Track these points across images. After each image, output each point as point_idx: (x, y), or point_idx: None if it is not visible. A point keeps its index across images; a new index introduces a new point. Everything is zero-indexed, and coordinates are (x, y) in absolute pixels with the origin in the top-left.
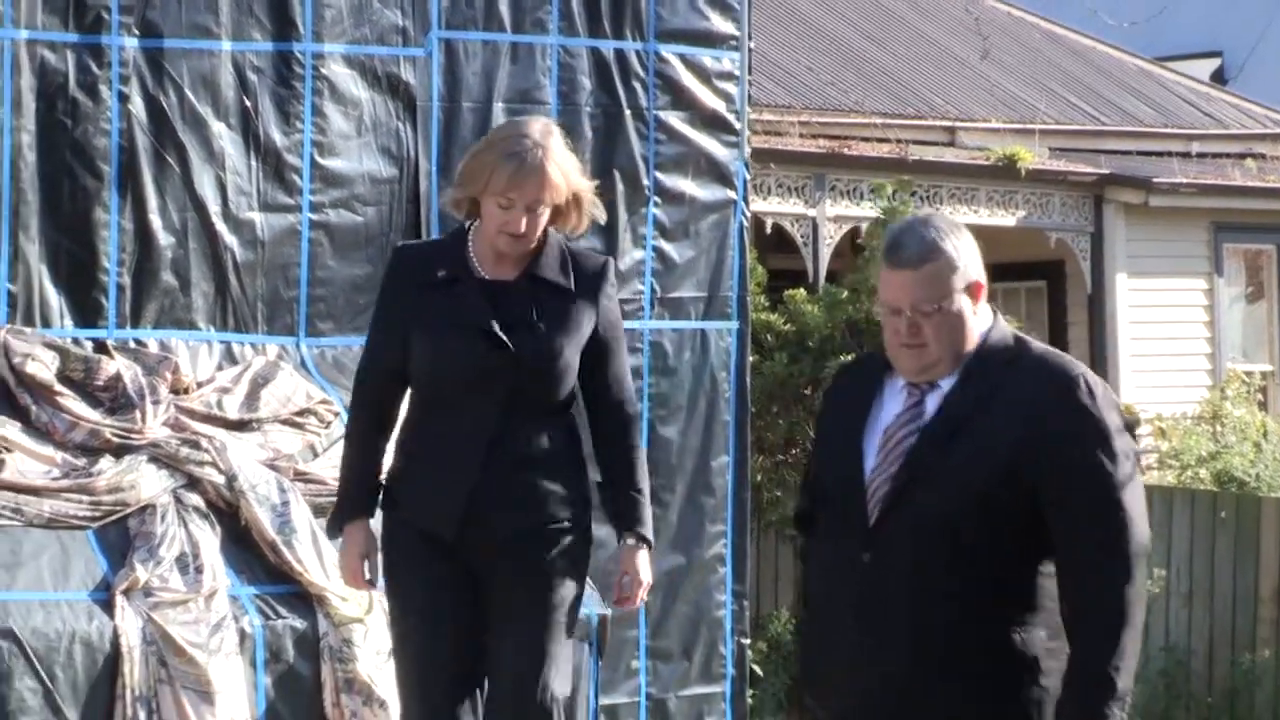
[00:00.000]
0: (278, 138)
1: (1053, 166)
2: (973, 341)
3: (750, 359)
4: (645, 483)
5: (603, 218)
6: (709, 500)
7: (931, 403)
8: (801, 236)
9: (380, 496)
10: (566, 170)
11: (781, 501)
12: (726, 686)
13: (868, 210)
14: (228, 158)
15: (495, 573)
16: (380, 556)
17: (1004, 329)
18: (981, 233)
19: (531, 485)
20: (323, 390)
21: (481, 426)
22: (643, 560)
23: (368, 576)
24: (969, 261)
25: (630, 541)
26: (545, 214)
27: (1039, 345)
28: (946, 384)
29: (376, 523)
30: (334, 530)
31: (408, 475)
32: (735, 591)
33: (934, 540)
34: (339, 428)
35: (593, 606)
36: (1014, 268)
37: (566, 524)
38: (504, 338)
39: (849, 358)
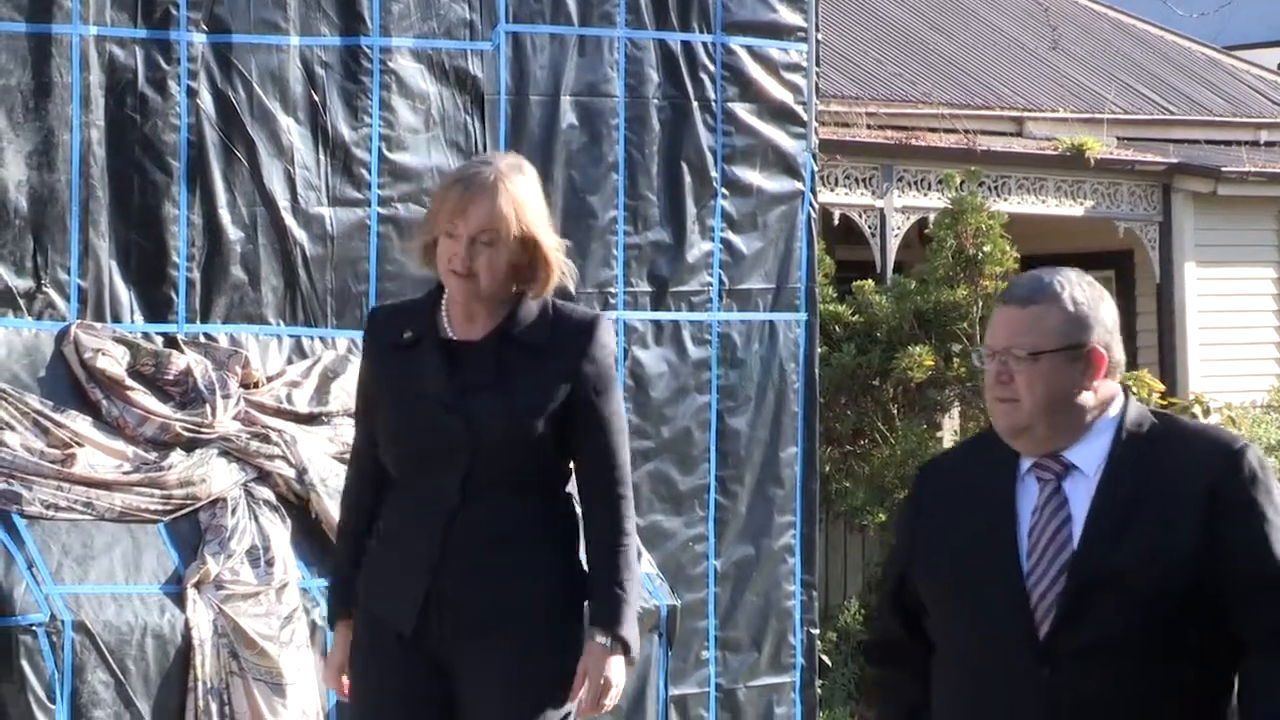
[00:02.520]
0: (346, 132)
1: (1121, 156)
2: (1086, 421)
3: (818, 350)
4: (631, 578)
5: (570, 283)
6: (778, 491)
7: (1073, 490)
8: (869, 227)
9: None
10: (523, 204)
11: (850, 492)
12: (796, 676)
13: (935, 201)
14: (296, 152)
15: (463, 669)
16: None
17: (1141, 408)
18: (1049, 223)
19: (498, 568)
20: None
21: (439, 504)
22: (613, 666)
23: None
24: (1090, 322)
25: (600, 640)
26: (498, 251)
27: (1180, 418)
28: (1086, 465)
29: None
30: (331, 622)
31: (372, 558)
32: (804, 582)
33: (1127, 655)
34: None
35: (662, 597)
36: (1082, 258)
37: (543, 610)
38: (457, 404)
39: (919, 350)
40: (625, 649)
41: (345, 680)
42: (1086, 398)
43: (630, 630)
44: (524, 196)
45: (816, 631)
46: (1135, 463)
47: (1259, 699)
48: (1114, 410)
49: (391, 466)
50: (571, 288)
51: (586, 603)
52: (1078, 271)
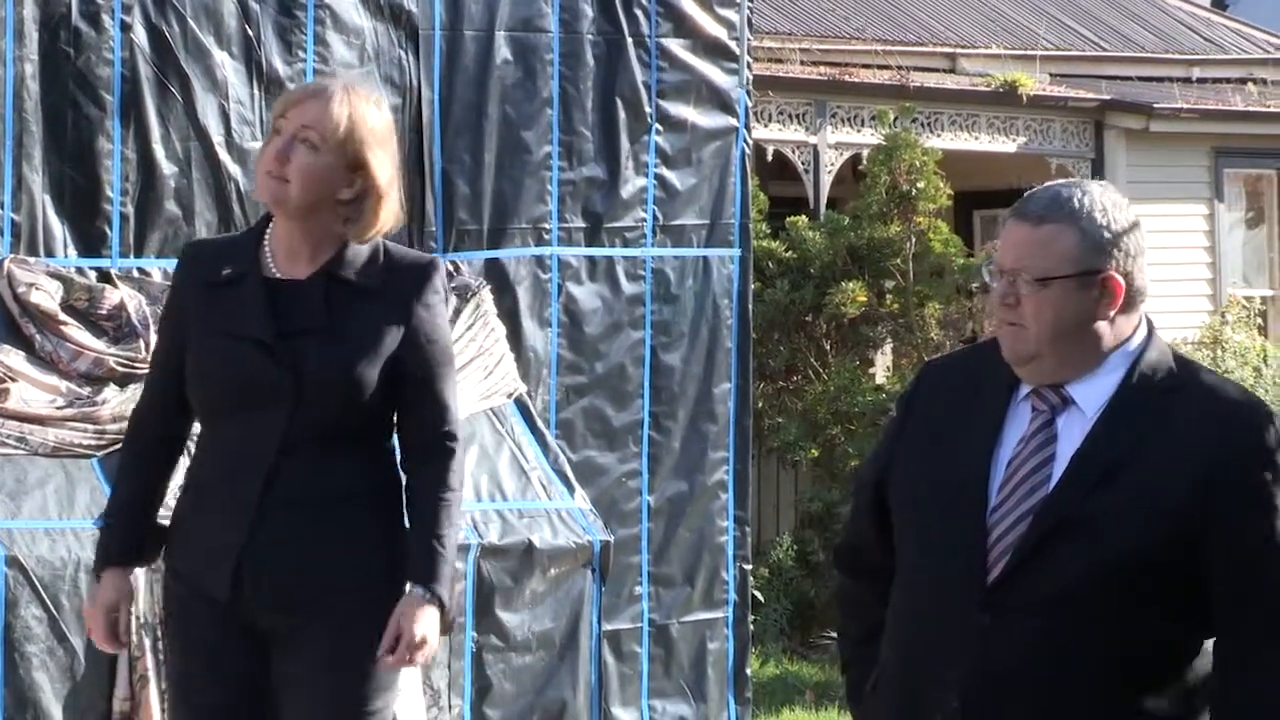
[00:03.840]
0: (280, 67)
1: (1053, 92)
2: (1101, 354)
3: (752, 286)
4: (451, 533)
5: (397, 224)
6: (711, 427)
7: (1066, 426)
8: (803, 163)
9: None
10: (360, 119)
11: (783, 428)
12: (729, 612)
13: (869, 137)
14: (230, 87)
15: (282, 644)
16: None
17: (1164, 348)
18: (981, 159)
19: (320, 532)
20: None
21: (257, 457)
22: (426, 617)
23: (120, 636)
24: (1110, 247)
25: (416, 591)
26: (318, 158)
27: (1210, 372)
28: (1087, 403)
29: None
30: (101, 564)
31: (181, 515)
32: (737, 517)
33: (1078, 612)
34: None
35: (596, 532)
36: (1015, 194)
37: (365, 584)
38: (279, 348)
39: (852, 286)
40: (441, 604)
41: (107, 624)
42: (1101, 329)
43: (445, 586)
44: (364, 114)
45: (749, 567)
46: (1140, 409)
47: (1224, 696)
48: (1133, 346)
49: (202, 413)
50: (396, 226)
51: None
52: (1104, 186)
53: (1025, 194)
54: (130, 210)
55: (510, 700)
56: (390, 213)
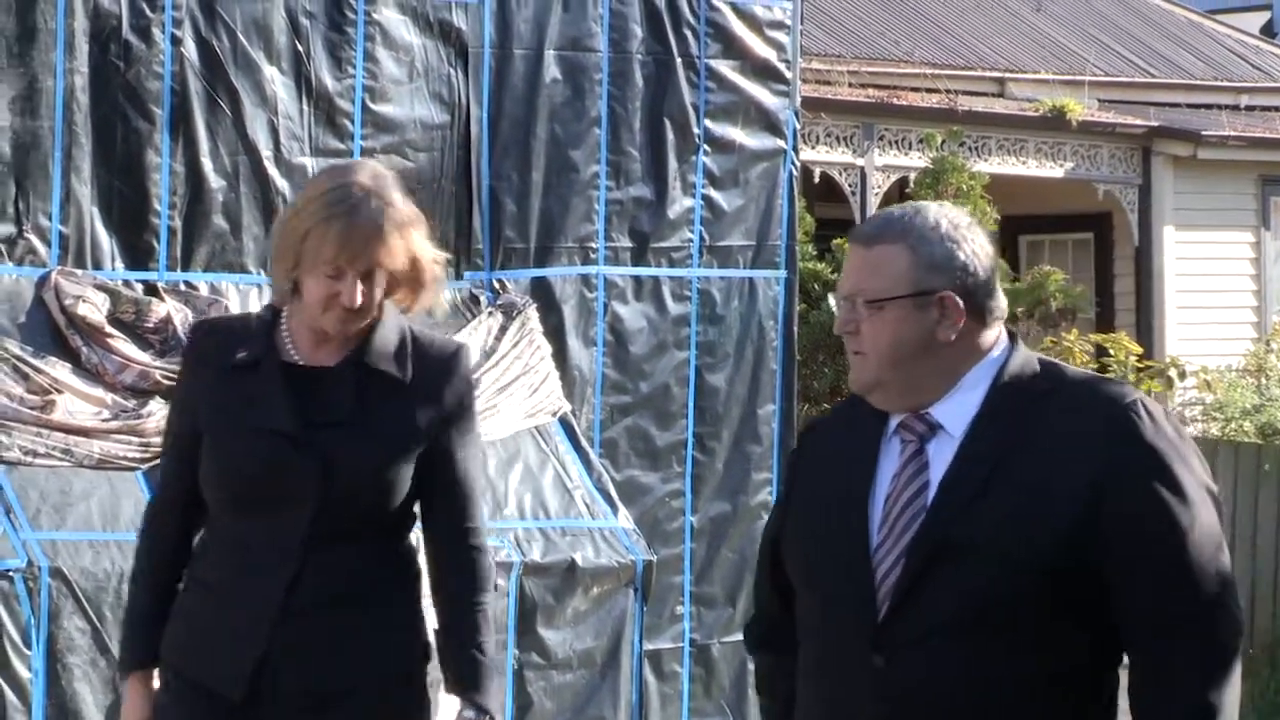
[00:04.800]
0: (330, 83)
1: (1101, 118)
2: (954, 374)
3: (797, 308)
4: (490, 637)
5: (442, 308)
6: (755, 448)
7: (937, 452)
8: (850, 185)
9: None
10: (407, 223)
11: None
12: None
13: (916, 160)
14: (279, 102)
15: None
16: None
17: (1027, 356)
18: (1030, 184)
19: (345, 631)
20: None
21: (281, 555)
22: None
23: None
24: (945, 264)
25: (468, 714)
26: (381, 281)
27: (1076, 371)
28: (953, 425)
29: None
30: (124, 671)
31: (188, 613)
32: None
33: (971, 638)
34: None
35: (639, 552)
36: (1062, 220)
37: (392, 682)
38: (306, 442)
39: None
40: (490, 718)
41: None
42: (947, 349)
43: (496, 699)
44: (408, 216)
45: None
46: (1007, 419)
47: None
48: (994, 357)
49: (218, 506)
50: (440, 310)
51: (436, 663)
52: (941, 206)
53: (863, 221)
54: (178, 224)
55: (551, 718)
56: (436, 282)
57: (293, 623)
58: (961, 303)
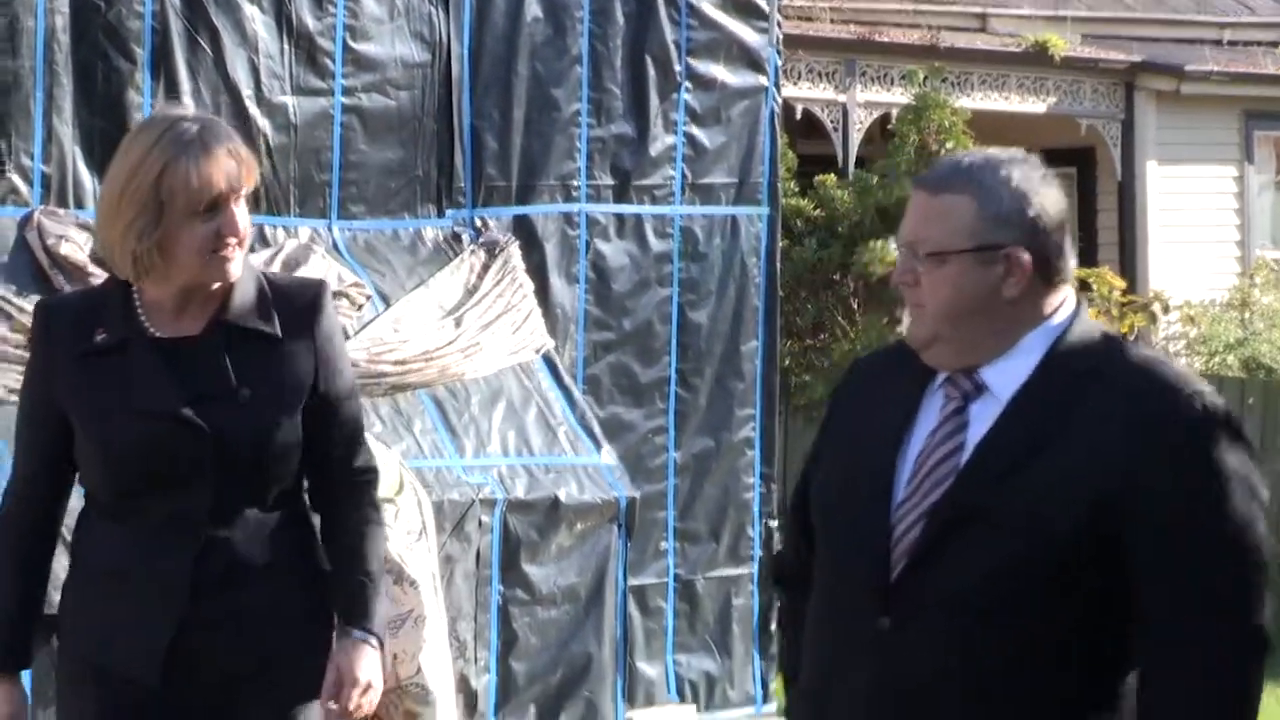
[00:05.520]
0: (310, 21)
1: (1084, 53)
2: (1013, 336)
3: (780, 244)
4: (378, 564)
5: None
6: (738, 384)
7: (979, 414)
8: (831, 122)
9: (45, 632)
10: (244, 144)
11: (810, 386)
12: (754, 568)
13: (899, 96)
14: (260, 41)
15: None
16: (55, 710)
17: (1090, 327)
18: (1012, 120)
19: (256, 606)
20: (354, 273)
21: (182, 533)
22: (367, 660)
23: None
24: (1015, 219)
25: (355, 635)
26: (245, 209)
27: (1138, 350)
28: (1001, 388)
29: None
30: None
31: (86, 600)
32: (763, 474)
33: (981, 611)
34: (370, 310)
35: (622, 489)
36: (1044, 155)
37: (305, 652)
38: (196, 419)
39: (880, 245)
40: (379, 642)
41: None
42: (1009, 309)
43: (381, 624)
44: (237, 138)
45: (775, 524)
46: (1057, 391)
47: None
48: (1054, 325)
49: (104, 491)
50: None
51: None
52: (1015, 155)
53: (932, 165)
54: None
55: (536, 653)
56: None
57: (202, 601)
58: (1028, 260)
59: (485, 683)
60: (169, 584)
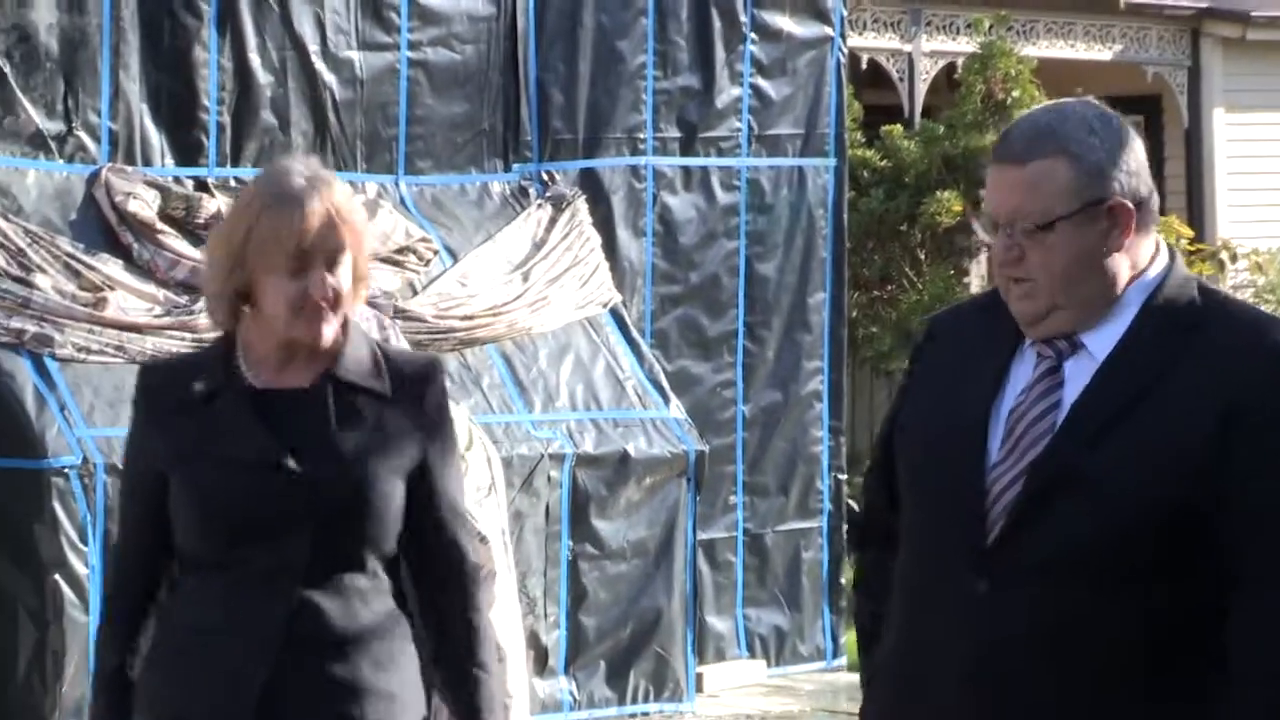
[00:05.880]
0: None
1: (1150, 0)
2: (1117, 291)
3: (847, 195)
4: (491, 655)
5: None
6: (805, 337)
7: (1074, 372)
8: (897, 72)
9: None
10: (357, 208)
11: (877, 337)
12: (823, 521)
13: (964, 45)
14: None
15: None
16: None
17: (1186, 278)
18: (1078, 67)
19: (346, 678)
20: (421, 228)
21: (276, 590)
22: None
23: None
24: (1109, 169)
25: None
26: (350, 270)
27: (1236, 301)
28: (1097, 346)
29: None
30: None
31: (166, 662)
32: (832, 427)
33: (1084, 575)
34: (438, 265)
35: (691, 442)
36: (1110, 103)
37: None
38: (293, 467)
39: (947, 195)
40: None
41: None
42: (1116, 263)
43: (500, 716)
44: (353, 201)
45: (844, 477)
46: (1153, 349)
47: (1253, 652)
48: (1150, 278)
49: (199, 547)
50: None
51: (437, 684)
52: (1084, 103)
53: (1004, 131)
54: (227, 120)
55: (605, 608)
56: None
57: (294, 660)
58: (1131, 208)
59: (555, 638)
60: (258, 643)
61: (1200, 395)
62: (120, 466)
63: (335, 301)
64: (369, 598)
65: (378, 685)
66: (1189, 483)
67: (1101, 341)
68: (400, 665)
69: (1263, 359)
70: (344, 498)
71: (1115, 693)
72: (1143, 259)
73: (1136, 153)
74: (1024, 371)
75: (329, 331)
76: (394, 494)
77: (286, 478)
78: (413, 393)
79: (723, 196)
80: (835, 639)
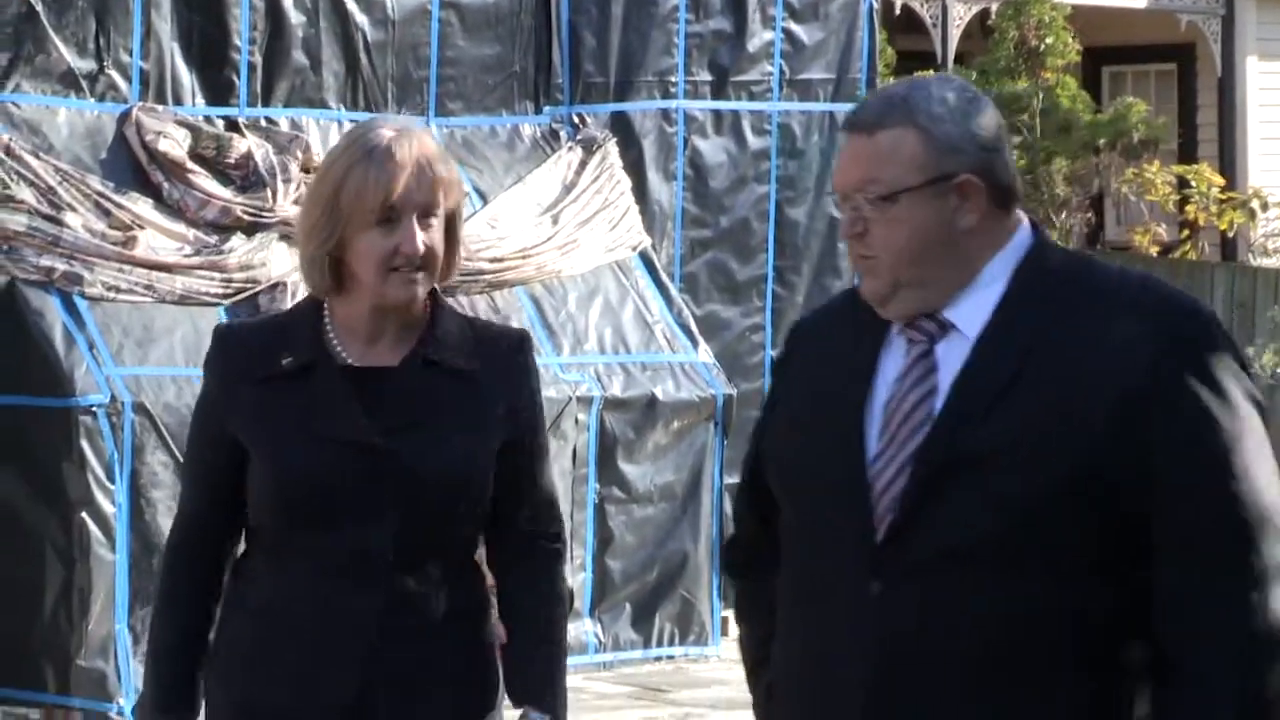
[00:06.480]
0: None
1: None
2: (974, 267)
3: None
4: (563, 640)
5: (453, 274)
6: (835, 282)
7: (947, 354)
8: (931, 18)
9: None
10: (449, 162)
11: None
12: None
13: None
14: None
15: None
16: None
17: (1051, 247)
18: (1112, 15)
19: (438, 664)
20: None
21: (369, 580)
22: None
23: None
24: (959, 143)
25: (534, 715)
26: (441, 228)
27: (1110, 265)
28: (967, 324)
29: None
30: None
31: (250, 644)
32: None
33: (983, 566)
34: (468, 207)
35: (720, 385)
36: (1144, 50)
37: (485, 707)
38: (385, 447)
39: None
40: None
41: None
42: (968, 241)
43: (563, 701)
44: (446, 156)
45: None
46: (1031, 317)
47: (1170, 647)
48: (1013, 252)
49: (274, 527)
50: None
51: (505, 664)
52: (941, 78)
53: (855, 106)
54: (258, 59)
55: (631, 551)
56: (459, 248)
57: (391, 650)
58: (983, 185)
59: (581, 581)
60: (354, 632)
61: (1089, 363)
62: (148, 408)
63: (429, 259)
64: (455, 581)
65: (469, 676)
66: (1091, 454)
67: (971, 318)
68: (485, 649)
69: (1150, 321)
70: (438, 482)
71: (1023, 686)
72: (1003, 235)
73: (991, 125)
74: (895, 360)
75: (419, 291)
76: (486, 477)
77: (375, 457)
78: (503, 369)
79: (754, 141)
80: None
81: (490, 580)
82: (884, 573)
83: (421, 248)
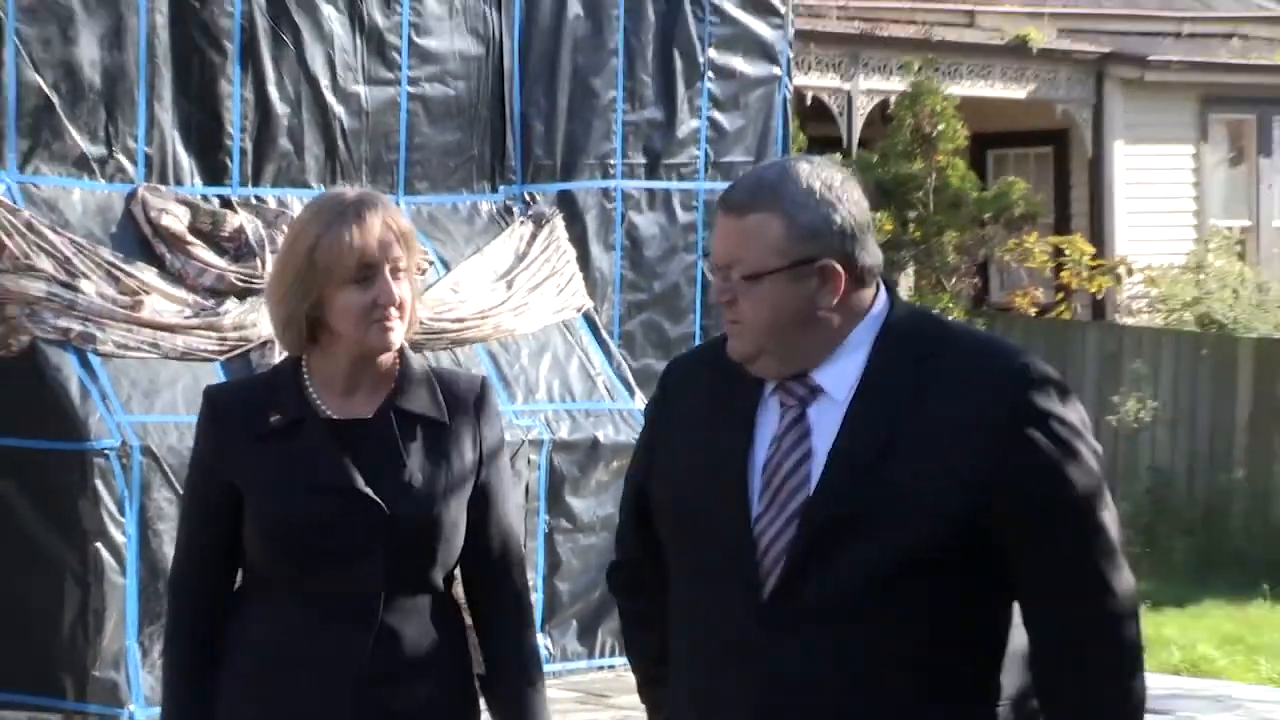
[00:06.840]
0: (380, 19)
1: (1060, 45)
2: (837, 337)
3: None
4: (540, 672)
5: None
6: None
7: (819, 418)
8: (837, 107)
9: None
10: (409, 226)
11: None
12: None
13: (896, 84)
14: (336, 38)
15: None
16: None
17: (909, 311)
18: (996, 104)
19: (425, 696)
20: (419, 242)
21: (356, 614)
22: None
23: None
24: (822, 229)
25: None
26: (409, 283)
27: (960, 326)
28: (835, 387)
29: None
30: None
31: (242, 681)
32: None
33: (865, 616)
34: (433, 274)
35: None
36: (1025, 135)
37: None
38: (373, 495)
39: (880, 216)
40: None
41: None
42: (827, 316)
43: None
44: (398, 215)
45: None
46: (896, 383)
47: (1045, 676)
48: (873, 320)
49: (270, 570)
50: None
51: (488, 702)
52: (814, 162)
53: (731, 185)
54: (248, 145)
55: (577, 575)
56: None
57: (381, 683)
58: (841, 269)
59: (533, 601)
60: (345, 668)
61: (954, 427)
62: (154, 451)
63: (403, 308)
64: (436, 615)
65: (453, 706)
66: (962, 505)
67: (838, 382)
68: (467, 679)
69: (1006, 381)
70: (418, 526)
71: None
72: (862, 306)
73: (856, 214)
74: (770, 418)
75: (396, 338)
76: (460, 518)
77: (365, 504)
78: (468, 415)
79: (683, 216)
80: None
81: (465, 612)
82: (768, 624)
83: (397, 297)
